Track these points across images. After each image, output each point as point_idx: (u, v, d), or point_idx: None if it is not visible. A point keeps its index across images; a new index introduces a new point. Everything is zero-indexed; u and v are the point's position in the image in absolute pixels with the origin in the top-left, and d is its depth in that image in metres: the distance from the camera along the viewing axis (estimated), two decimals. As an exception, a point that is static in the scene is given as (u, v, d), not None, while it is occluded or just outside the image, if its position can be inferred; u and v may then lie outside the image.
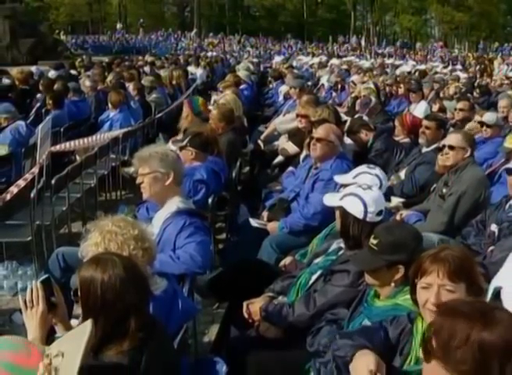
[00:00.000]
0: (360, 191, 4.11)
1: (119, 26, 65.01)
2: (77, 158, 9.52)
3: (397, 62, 31.70)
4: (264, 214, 6.77)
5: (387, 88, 16.39)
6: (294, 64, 29.16)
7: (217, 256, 6.86)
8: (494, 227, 5.27)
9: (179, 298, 3.65)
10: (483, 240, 5.31)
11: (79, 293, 2.94)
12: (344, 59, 31.77)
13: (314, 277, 4.19)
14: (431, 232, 5.54)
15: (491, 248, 5.07)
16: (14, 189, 6.27)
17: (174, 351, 3.24)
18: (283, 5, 79.50)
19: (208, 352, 4.94)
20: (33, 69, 18.29)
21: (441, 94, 14.72)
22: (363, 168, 5.20)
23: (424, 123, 7.80)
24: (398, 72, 22.56)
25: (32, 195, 6.61)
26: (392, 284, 3.44)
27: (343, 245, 4.28)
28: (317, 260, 4.40)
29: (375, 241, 3.46)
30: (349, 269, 3.91)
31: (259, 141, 11.15)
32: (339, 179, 5.36)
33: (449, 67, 28.47)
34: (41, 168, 7.08)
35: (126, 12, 76.92)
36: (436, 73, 23.80)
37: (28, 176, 6.58)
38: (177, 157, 5.24)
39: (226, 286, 5.15)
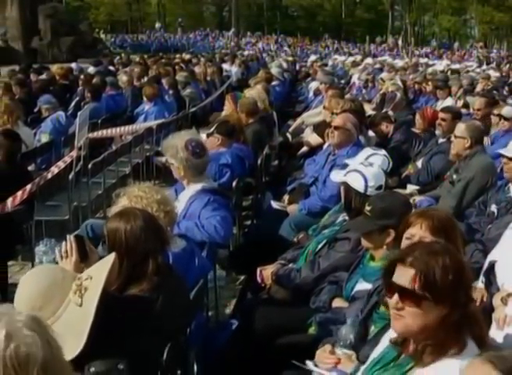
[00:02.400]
0: (362, 168, 4.57)
1: (157, 25, 65.79)
2: (113, 147, 10.07)
3: (431, 62, 31.84)
4: (285, 197, 7.23)
5: (416, 86, 16.71)
6: (330, 63, 29.55)
7: (242, 238, 7.33)
8: (494, 207, 5.68)
9: (196, 257, 4.18)
10: (483, 219, 5.72)
11: (106, 241, 3.47)
12: (378, 59, 32.01)
13: (320, 246, 4.66)
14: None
15: (489, 226, 5.48)
16: (54, 169, 6.83)
17: (188, 297, 3.74)
18: (322, 5, 79.63)
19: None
20: (73, 65, 18.98)
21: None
22: (370, 150, 5.62)
23: (440, 115, 8.23)
24: (430, 70, 22.79)
25: (70, 177, 7.15)
26: (385, 247, 3.89)
27: (347, 218, 4.74)
28: (324, 231, 4.87)
29: (368, 208, 3.92)
30: (350, 237, 4.38)
31: (287, 134, 11.60)
32: (350, 161, 5.79)
33: (483, 66, 28.61)
34: (79, 153, 7.65)
35: (165, 11, 77.67)
36: (468, 72, 23.97)
37: (67, 159, 7.13)
38: (191, 154, 5.51)
39: (245, 259, 5.62)
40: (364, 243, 3.98)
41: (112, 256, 3.06)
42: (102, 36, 50.59)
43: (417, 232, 3.38)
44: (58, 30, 32.06)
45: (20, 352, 1.93)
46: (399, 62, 28.91)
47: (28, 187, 5.98)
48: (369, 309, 3.49)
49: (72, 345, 2.59)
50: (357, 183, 4.52)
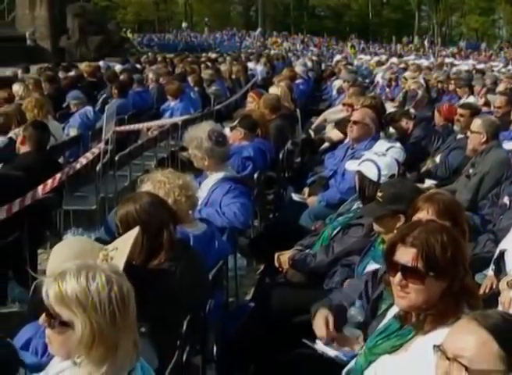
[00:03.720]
0: (375, 157, 4.78)
1: (184, 25, 66.24)
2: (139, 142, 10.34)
3: (457, 62, 31.88)
4: (305, 190, 7.44)
5: (439, 85, 16.84)
6: (355, 63, 29.71)
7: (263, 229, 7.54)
8: (506, 199, 5.84)
9: (216, 240, 4.42)
10: (495, 210, 5.89)
11: (121, 229, 3.71)
12: (404, 58, 32.10)
13: (335, 231, 4.87)
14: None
15: (500, 217, 5.66)
16: (83, 160, 7.10)
17: (206, 273, 3.99)
18: (348, 5, 79.63)
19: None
20: (101, 63, 19.32)
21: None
22: (386, 143, 5.83)
23: (459, 111, 8.41)
24: (454, 70, 22.89)
25: (98, 169, 7.42)
26: (395, 231, 4.08)
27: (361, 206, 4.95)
28: (339, 218, 5.08)
29: (380, 194, 4.13)
30: (363, 223, 4.59)
31: (310, 131, 11.82)
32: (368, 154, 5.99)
33: (510, 66, 28.62)
34: (106, 147, 7.92)
35: (192, 11, 78.12)
36: (493, 71, 24.02)
37: (95, 150, 7.40)
38: (215, 143, 5.80)
39: (265, 247, 5.83)
40: (376, 227, 4.19)
41: (136, 229, 3.31)
42: (129, 35, 51.02)
43: (424, 216, 3.55)
44: (86, 29, 32.44)
45: (123, 291, 2.39)
46: (424, 62, 29.02)
47: (58, 175, 6.25)
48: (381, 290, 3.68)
49: None
50: (371, 172, 4.73)
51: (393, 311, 3.04)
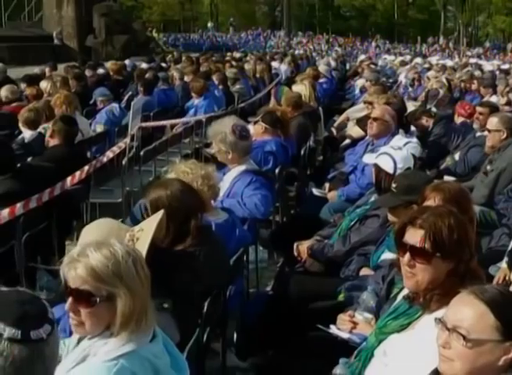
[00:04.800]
0: (391, 151, 4.96)
1: (209, 24, 66.51)
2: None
3: (481, 62, 31.80)
4: (326, 185, 7.61)
5: (462, 84, 16.92)
6: (380, 63, 29.77)
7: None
8: (521, 194, 6.00)
9: (237, 228, 4.62)
10: (510, 205, 6.02)
11: (150, 212, 3.91)
12: (428, 59, 32.12)
13: (352, 222, 5.04)
14: (474, 204, 6.31)
15: (516, 211, 5.80)
16: (109, 154, 7.32)
17: (227, 258, 4.20)
18: (374, 5, 79.42)
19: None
20: (127, 61, 19.54)
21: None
22: (404, 139, 5.99)
23: (478, 109, 8.55)
24: (478, 70, 22.89)
25: (124, 162, 7.64)
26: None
27: (378, 198, 5.12)
28: (357, 210, 5.26)
29: (394, 185, 4.31)
30: (379, 214, 4.76)
31: (332, 129, 11.97)
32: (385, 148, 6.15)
33: (535, 66, 28.50)
34: (131, 144, 8.14)
35: (218, 11, 78.28)
36: (517, 71, 23.99)
37: (121, 145, 7.62)
38: (239, 137, 6.00)
39: (285, 238, 6.01)
40: (391, 217, 4.36)
41: (160, 212, 3.51)
42: (155, 35, 51.23)
43: (432, 204, 3.73)
44: (112, 28, 32.65)
45: (141, 258, 2.63)
46: (448, 62, 29.03)
47: (85, 168, 6.48)
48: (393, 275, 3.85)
49: None
50: (387, 165, 4.90)
51: (403, 294, 3.21)
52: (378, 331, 3.14)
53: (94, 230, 3.39)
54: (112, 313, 2.53)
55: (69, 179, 6.11)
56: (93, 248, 2.53)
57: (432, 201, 3.78)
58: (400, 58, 30.25)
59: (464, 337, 2.27)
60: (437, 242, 2.89)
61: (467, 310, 2.31)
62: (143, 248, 3.22)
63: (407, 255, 2.94)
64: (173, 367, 2.70)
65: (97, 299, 2.51)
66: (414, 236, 2.94)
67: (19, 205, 5.18)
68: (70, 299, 2.55)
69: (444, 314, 2.38)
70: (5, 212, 5.06)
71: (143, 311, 2.55)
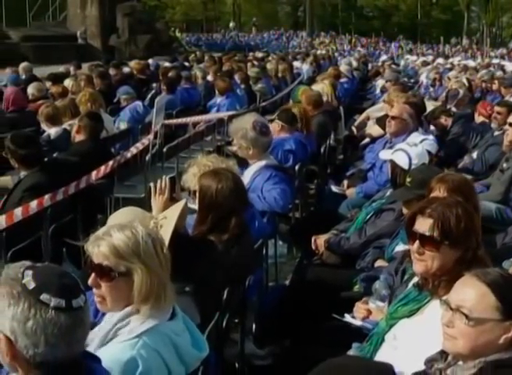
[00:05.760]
0: (407, 147, 5.10)
1: (232, 24, 66.74)
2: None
3: (504, 62, 31.72)
4: (345, 182, 7.75)
5: (483, 84, 16.97)
6: (402, 63, 29.82)
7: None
8: (536, 191, 6.12)
9: (256, 220, 4.78)
10: (525, 201, 6.16)
11: (198, 194, 4.15)
12: (450, 60, 32.09)
13: (368, 216, 5.19)
14: (490, 201, 6.45)
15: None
16: (133, 150, 7.52)
17: (252, 255, 4.39)
18: (397, 5, 79.25)
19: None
20: (150, 61, 19.77)
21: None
22: (420, 136, 6.12)
23: (496, 108, 8.67)
24: (500, 70, 22.89)
25: (147, 158, 7.82)
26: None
27: (394, 192, 5.26)
28: (373, 204, 5.40)
29: (408, 179, 4.47)
30: (394, 208, 4.91)
31: (352, 128, 12.09)
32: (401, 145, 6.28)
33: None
34: (154, 141, 8.33)
35: (240, 11, 78.47)
36: (539, 71, 23.93)
37: (145, 141, 7.81)
38: (259, 133, 6.16)
39: (304, 232, 6.16)
40: (405, 210, 4.51)
41: (183, 202, 3.70)
42: (178, 35, 51.56)
43: (438, 195, 3.88)
44: (136, 28, 32.93)
45: (161, 239, 2.85)
46: (470, 63, 29.01)
47: (110, 162, 6.69)
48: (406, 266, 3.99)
49: None
50: (402, 161, 5.05)
51: (413, 282, 3.36)
52: (389, 316, 3.29)
53: (120, 217, 3.57)
54: (130, 288, 2.75)
55: (94, 173, 6.32)
56: (116, 229, 2.79)
57: (438, 191, 3.94)
58: (422, 59, 30.27)
59: (467, 316, 2.42)
60: (445, 231, 3.04)
61: (470, 291, 2.46)
62: (166, 234, 3.40)
63: (417, 243, 3.09)
64: (193, 345, 2.88)
65: (116, 274, 2.76)
66: (424, 225, 3.09)
67: (46, 197, 5.40)
68: (93, 274, 2.79)
69: (448, 295, 2.53)
70: (34, 203, 5.27)
71: (161, 289, 2.76)
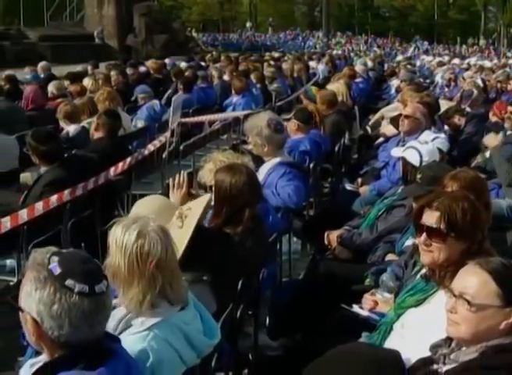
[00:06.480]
0: (418, 145, 5.22)
1: (248, 24, 66.86)
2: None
3: (520, 63, 31.67)
4: (358, 180, 7.87)
5: (498, 85, 17.02)
6: (418, 63, 29.84)
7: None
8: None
9: (270, 215, 4.90)
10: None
11: (213, 189, 4.28)
12: (466, 61, 32.07)
13: (380, 212, 5.31)
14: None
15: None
16: (150, 147, 7.66)
17: (267, 247, 4.52)
18: (414, 5, 79.07)
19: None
20: (167, 60, 19.93)
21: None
22: (432, 134, 6.23)
23: (509, 108, 8.72)
24: (515, 71, 22.90)
25: (164, 156, 7.96)
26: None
27: (405, 189, 5.37)
28: (385, 200, 5.51)
29: (419, 176, 4.58)
30: (405, 204, 5.02)
31: (367, 127, 12.19)
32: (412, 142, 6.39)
33: None
34: (171, 139, 8.48)
35: (257, 11, 78.59)
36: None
37: (162, 139, 7.95)
38: (274, 130, 6.28)
39: (318, 228, 6.27)
40: (415, 206, 4.60)
41: (207, 196, 3.92)
42: (194, 35, 51.74)
43: None
44: (152, 28, 33.07)
45: (144, 247, 2.86)
46: (487, 63, 29.01)
47: (128, 159, 6.83)
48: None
49: None
50: (413, 158, 5.16)
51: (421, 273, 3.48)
52: (397, 306, 3.41)
53: (148, 203, 3.74)
54: None
55: (112, 169, 6.47)
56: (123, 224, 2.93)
57: (450, 189, 4.06)
58: (437, 59, 30.28)
59: (469, 303, 2.55)
60: (451, 223, 3.16)
61: (472, 278, 2.58)
62: (191, 225, 3.59)
63: (424, 235, 3.22)
64: (205, 333, 3.02)
65: None
66: (431, 217, 3.21)
67: (66, 192, 5.55)
68: None
69: (452, 282, 2.65)
70: (54, 198, 5.43)
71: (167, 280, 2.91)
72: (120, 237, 2.86)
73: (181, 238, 3.51)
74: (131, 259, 2.83)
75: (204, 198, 3.88)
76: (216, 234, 3.84)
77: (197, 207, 3.75)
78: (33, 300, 2.30)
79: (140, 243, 2.84)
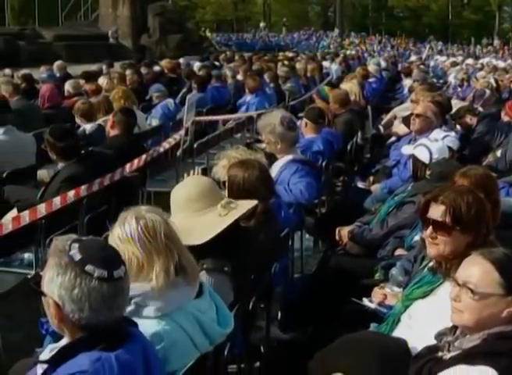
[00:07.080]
0: (428, 142, 5.32)
1: (262, 24, 66.92)
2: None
3: (534, 63, 31.65)
4: (370, 178, 7.97)
5: (511, 85, 17.05)
6: (431, 64, 29.84)
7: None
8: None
9: (282, 210, 5.01)
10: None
11: (226, 183, 4.44)
12: (480, 61, 32.07)
13: (390, 209, 5.40)
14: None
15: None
16: (165, 145, 7.78)
17: (279, 242, 4.66)
18: (428, 6, 78.89)
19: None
20: (181, 60, 20.04)
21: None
22: (442, 132, 6.32)
23: (520, 107, 8.81)
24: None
25: (178, 154, 8.08)
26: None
27: (415, 186, 5.47)
28: (395, 197, 5.61)
29: (428, 172, 4.69)
30: (415, 201, 5.11)
31: (379, 126, 12.27)
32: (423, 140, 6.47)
33: None
34: (185, 138, 8.59)
35: (270, 11, 78.60)
36: None
37: (177, 136, 8.07)
38: (287, 128, 6.40)
39: (330, 225, 6.37)
40: (424, 202, 4.71)
41: (254, 202, 4.04)
42: (208, 34, 51.83)
43: None
44: (167, 28, 33.21)
45: (148, 225, 2.95)
46: (500, 64, 29.00)
47: (143, 156, 6.95)
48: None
49: (198, 236, 3.59)
50: (423, 155, 5.26)
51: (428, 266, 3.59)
52: (405, 298, 3.52)
53: (198, 183, 3.93)
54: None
55: (127, 165, 6.58)
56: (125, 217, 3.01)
57: None
58: (451, 59, 30.28)
59: (472, 291, 2.66)
60: (456, 217, 3.27)
61: (475, 268, 2.69)
62: (233, 216, 3.77)
63: (430, 229, 3.32)
64: (219, 322, 3.12)
65: None
66: (436, 211, 3.32)
67: (83, 187, 5.67)
68: None
69: (457, 272, 2.76)
70: (71, 193, 5.55)
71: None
72: (121, 232, 2.96)
73: (215, 224, 3.69)
74: (142, 241, 2.93)
75: (252, 202, 4.03)
76: (236, 228, 3.93)
77: (244, 204, 3.92)
78: (55, 285, 2.42)
79: (143, 223, 2.94)
